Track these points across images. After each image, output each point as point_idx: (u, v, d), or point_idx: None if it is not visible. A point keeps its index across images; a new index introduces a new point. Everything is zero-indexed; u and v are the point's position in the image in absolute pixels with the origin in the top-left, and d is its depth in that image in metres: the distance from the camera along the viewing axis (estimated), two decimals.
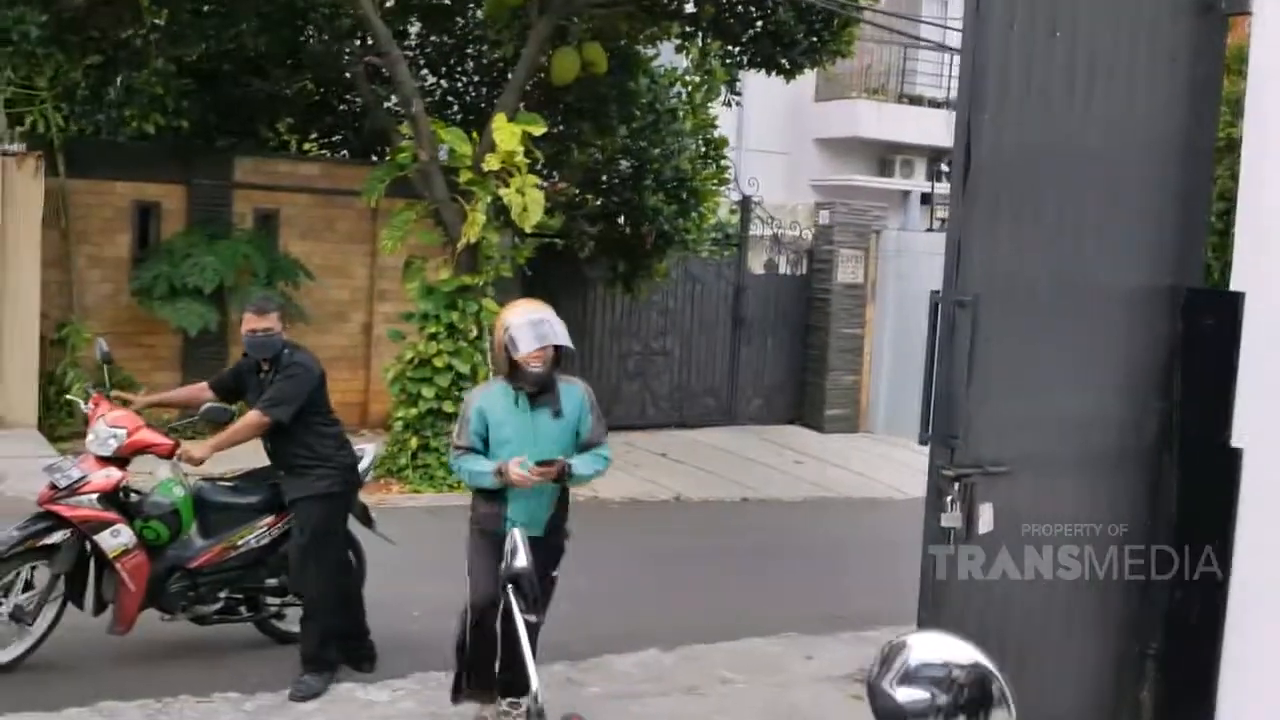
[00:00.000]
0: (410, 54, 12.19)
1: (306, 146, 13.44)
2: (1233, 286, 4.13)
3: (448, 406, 10.32)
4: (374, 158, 12.44)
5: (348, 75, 11.75)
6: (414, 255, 10.70)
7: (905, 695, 1.45)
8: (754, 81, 14.46)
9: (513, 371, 4.86)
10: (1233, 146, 4.19)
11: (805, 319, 15.25)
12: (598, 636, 6.31)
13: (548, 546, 4.91)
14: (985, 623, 3.97)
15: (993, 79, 3.88)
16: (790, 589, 7.98)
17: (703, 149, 13.51)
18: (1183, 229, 4.31)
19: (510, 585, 2.15)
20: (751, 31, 12.04)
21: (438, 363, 10.27)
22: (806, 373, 15.26)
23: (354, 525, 5.93)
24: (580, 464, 4.94)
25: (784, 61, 12.21)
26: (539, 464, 4.74)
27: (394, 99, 11.43)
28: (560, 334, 4.82)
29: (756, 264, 15.24)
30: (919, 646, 1.48)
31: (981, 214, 3.92)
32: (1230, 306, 4.08)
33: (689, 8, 11.93)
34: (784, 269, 15.46)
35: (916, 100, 19.27)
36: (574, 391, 4.99)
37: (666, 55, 13.14)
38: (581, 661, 6.12)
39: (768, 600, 7.65)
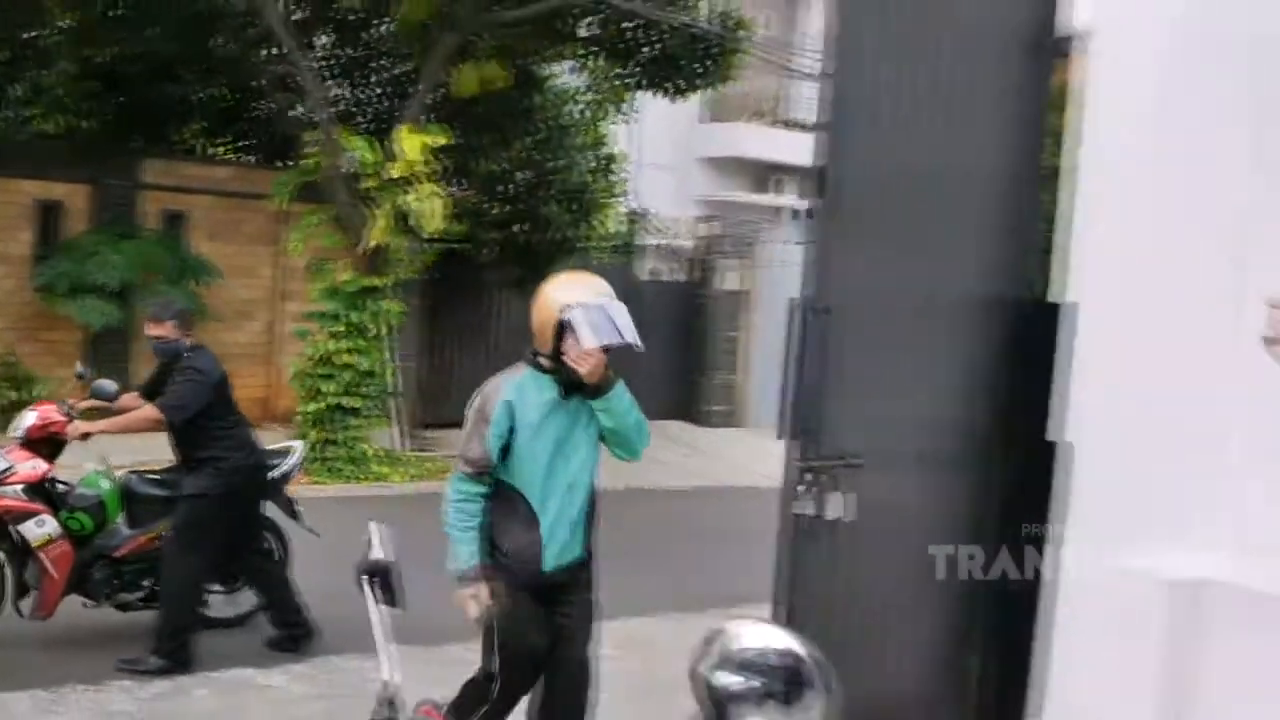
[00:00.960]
0: (319, 64, 12.02)
1: (216, 150, 13.14)
2: (1055, 299, 4.31)
3: (349, 402, 10.24)
4: (282, 163, 12.23)
5: (258, 83, 11.54)
6: (320, 257, 10.57)
7: (723, 680, 1.46)
8: (648, 102, 14.55)
9: (555, 357, 3.74)
10: (1056, 174, 4.36)
11: (690, 322, 15.43)
12: None
13: (588, 582, 4.03)
14: (834, 604, 4.02)
15: (850, 107, 3.94)
16: (670, 571, 8.05)
17: (598, 163, 13.59)
18: (1015, 246, 4.40)
19: (368, 576, 2.08)
20: (644, 55, 12.16)
21: (340, 360, 10.16)
22: (691, 372, 15.45)
23: (280, 517, 5.91)
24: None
25: (673, 85, 12.36)
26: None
27: (303, 107, 11.28)
28: (630, 327, 3.73)
29: (646, 271, 15.37)
30: (738, 634, 1.48)
31: (838, 230, 3.97)
32: (1052, 316, 4.27)
33: (586, 31, 11.98)
34: (671, 276, 15.61)
35: (794, 124, 19.53)
36: None
37: (565, 74, 13.18)
38: (472, 642, 6.11)
39: (649, 582, 7.70)
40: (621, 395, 3.77)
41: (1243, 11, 4.16)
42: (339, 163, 10.20)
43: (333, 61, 12.70)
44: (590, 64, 12.66)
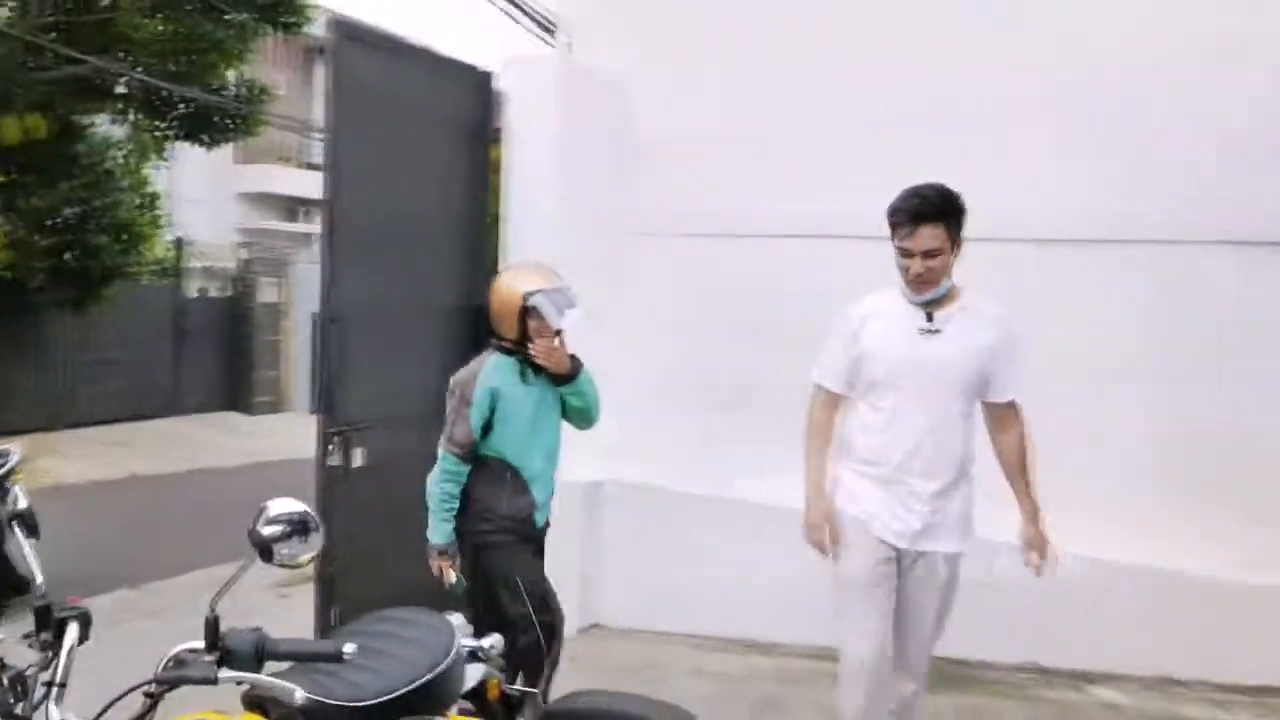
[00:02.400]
0: None
1: None
2: None
3: None
4: None
5: None
6: None
7: (266, 530, 1.86)
8: (187, 147, 13.53)
9: (520, 341, 3.29)
10: (498, 219, 4.92)
11: (235, 330, 14.65)
12: (80, 583, 5.76)
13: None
14: (356, 525, 4.21)
15: (344, 167, 4.10)
16: (226, 531, 7.77)
17: (142, 200, 12.42)
18: (474, 269, 4.77)
19: (19, 520, 2.14)
20: (178, 112, 11.33)
21: None
22: (238, 370, 14.66)
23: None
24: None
25: (206, 137, 11.66)
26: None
27: None
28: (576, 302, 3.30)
29: (193, 289, 14.35)
30: (274, 505, 1.88)
31: (343, 257, 4.10)
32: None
33: (123, 89, 10.93)
34: (215, 293, 14.70)
35: (315, 167, 19.04)
36: None
37: (106, 125, 11.89)
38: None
39: (209, 541, 7.38)
40: (588, 380, 3.40)
41: (610, 113, 5.03)
42: None
43: None
44: (129, 118, 11.53)
